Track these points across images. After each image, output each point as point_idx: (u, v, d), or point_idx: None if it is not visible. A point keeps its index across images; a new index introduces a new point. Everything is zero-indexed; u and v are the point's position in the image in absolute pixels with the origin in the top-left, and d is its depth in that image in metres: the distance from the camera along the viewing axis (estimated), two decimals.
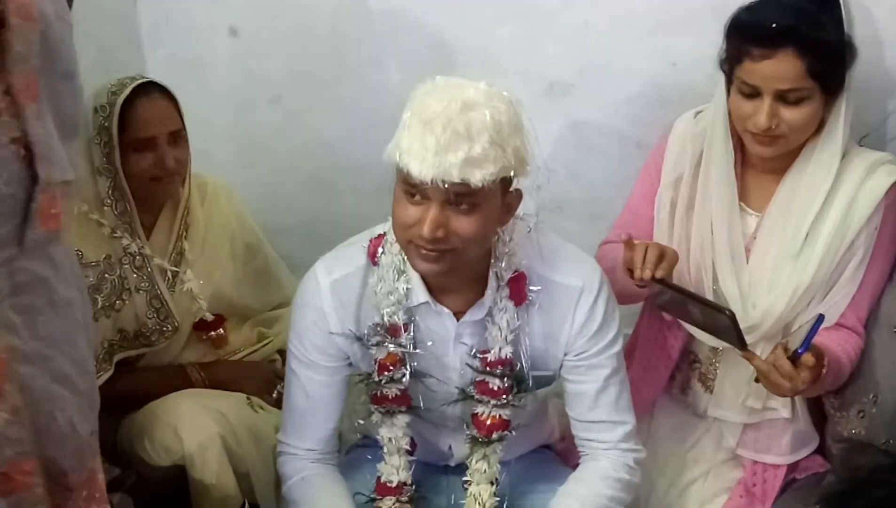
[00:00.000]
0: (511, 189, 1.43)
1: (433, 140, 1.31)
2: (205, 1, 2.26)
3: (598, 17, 2.05)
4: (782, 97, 1.59)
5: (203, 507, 1.86)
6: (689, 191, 1.74)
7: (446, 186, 1.33)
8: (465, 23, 2.06)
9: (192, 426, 1.84)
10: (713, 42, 2.00)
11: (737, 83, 1.63)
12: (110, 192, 1.85)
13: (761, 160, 1.71)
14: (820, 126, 1.66)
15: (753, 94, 1.61)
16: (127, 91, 1.83)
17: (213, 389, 1.98)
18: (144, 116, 1.83)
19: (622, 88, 2.09)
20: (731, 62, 1.65)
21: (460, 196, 1.36)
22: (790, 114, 1.60)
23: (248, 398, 1.99)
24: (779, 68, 1.57)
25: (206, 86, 2.29)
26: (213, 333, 2.04)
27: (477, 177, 1.32)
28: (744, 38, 1.61)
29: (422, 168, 1.32)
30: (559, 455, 1.84)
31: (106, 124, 1.81)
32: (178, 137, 1.89)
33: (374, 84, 2.21)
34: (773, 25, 1.56)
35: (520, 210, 1.51)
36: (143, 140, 1.84)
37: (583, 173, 2.19)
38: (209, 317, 2.02)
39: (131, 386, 1.92)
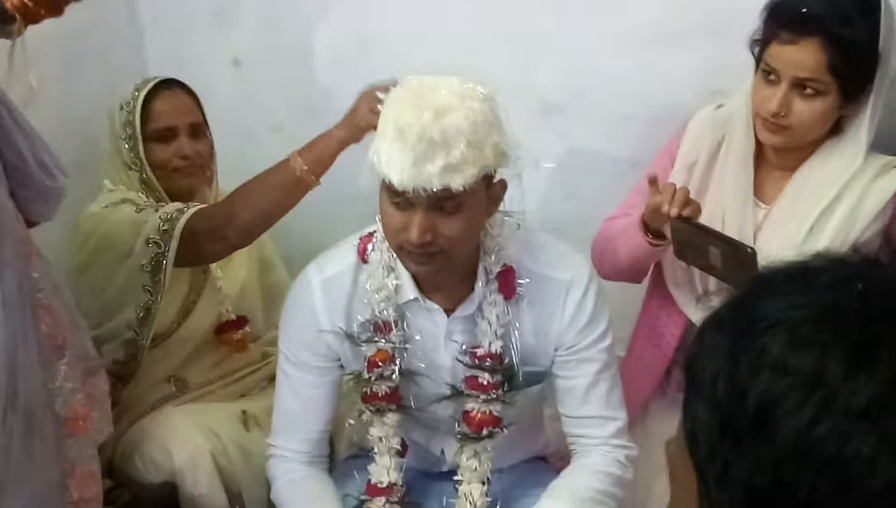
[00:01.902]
0: (494, 180, 1.45)
1: (410, 151, 1.31)
2: (210, 33, 2.34)
3: (589, 37, 2.10)
4: (799, 87, 1.60)
5: None
6: (702, 177, 1.76)
7: (429, 193, 1.34)
8: (460, 45, 2.11)
9: (183, 442, 1.84)
10: (703, 59, 2.06)
11: (762, 66, 1.66)
12: (141, 185, 1.92)
13: (775, 155, 1.72)
14: (839, 128, 1.67)
15: (774, 79, 1.63)
16: (150, 86, 1.93)
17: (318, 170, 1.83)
18: (164, 108, 1.93)
19: (614, 107, 2.13)
20: (761, 44, 1.67)
21: (444, 200, 1.36)
22: (801, 106, 1.61)
23: (243, 414, 1.98)
24: (801, 56, 1.58)
25: (209, 116, 2.34)
26: (235, 334, 2.05)
27: (458, 182, 1.33)
28: (775, 20, 1.63)
29: (402, 178, 1.32)
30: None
31: (130, 119, 1.90)
32: (199, 130, 1.98)
33: None
34: (804, 10, 1.58)
35: (510, 206, 1.53)
36: (163, 130, 1.92)
37: (578, 193, 2.21)
38: (233, 316, 2.04)
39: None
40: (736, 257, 1.56)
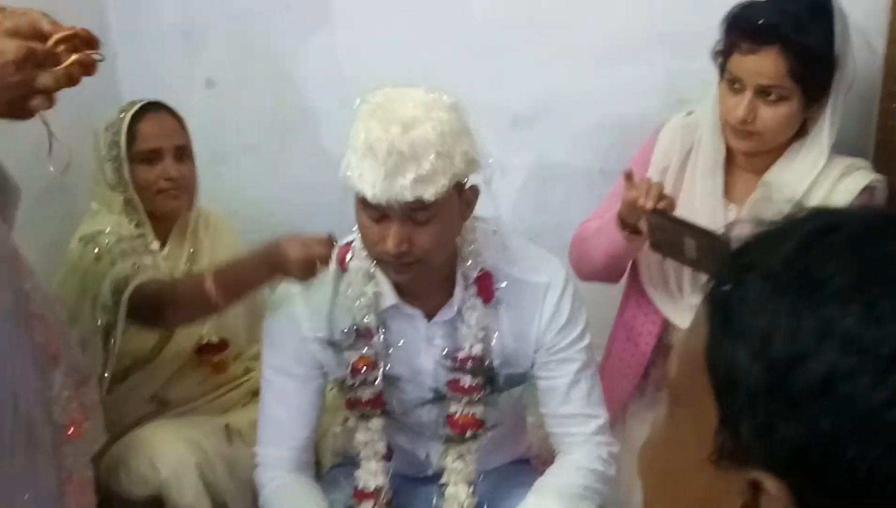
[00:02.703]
0: (466, 187, 1.47)
1: (380, 166, 1.33)
2: (182, 53, 2.36)
3: (555, 51, 2.16)
4: (763, 93, 1.67)
5: None
6: (675, 181, 1.82)
7: (402, 204, 1.36)
8: (432, 61, 2.15)
9: (168, 454, 1.84)
10: (665, 70, 2.13)
11: (726, 76, 1.72)
12: (125, 206, 1.93)
13: (745, 159, 1.78)
14: (804, 130, 1.73)
15: (738, 87, 1.69)
16: (135, 108, 1.94)
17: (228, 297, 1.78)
18: (151, 129, 1.94)
19: (583, 117, 2.19)
20: (724, 54, 1.73)
21: (417, 211, 1.39)
22: (767, 112, 1.67)
23: (226, 428, 1.99)
24: (762, 64, 1.65)
25: None
26: (215, 357, 2.05)
27: (430, 192, 1.35)
28: (735, 31, 1.70)
29: (374, 192, 1.35)
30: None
31: (116, 139, 1.91)
32: (184, 153, 1.99)
33: (345, 128, 2.29)
34: (760, 22, 1.65)
35: (483, 213, 1.57)
36: (149, 151, 1.93)
37: (549, 203, 2.26)
38: (214, 340, 2.04)
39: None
40: (711, 247, 1.61)
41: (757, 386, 0.59)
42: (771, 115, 1.68)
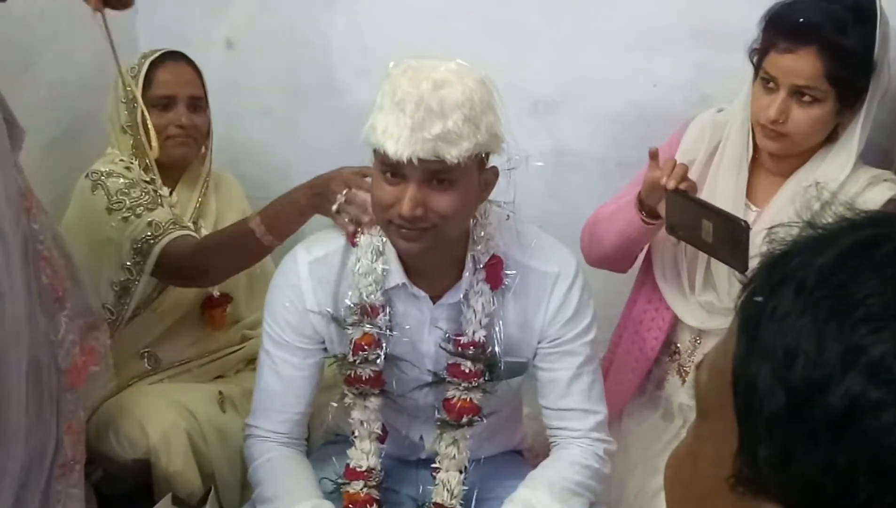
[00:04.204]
0: (487, 166, 1.46)
1: (407, 119, 1.33)
2: (203, 13, 2.33)
3: (581, 37, 2.13)
4: (797, 94, 1.63)
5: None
6: (699, 177, 1.79)
7: (423, 163, 1.35)
8: (452, 39, 2.11)
9: (158, 419, 1.83)
10: (692, 63, 2.09)
11: (760, 74, 1.68)
12: (132, 150, 1.94)
13: (771, 160, 1.75)
14: (834, 136, 1.70)
15: (772, 87, 1.66)
16: (157, 54, 1.96)
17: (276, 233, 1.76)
18: (167, 76, 1.96)
19: (604, 107, 2.16)
20: (760, 52, 1.70)
21: (437, 173, 1.38)
22: (800, 113, 1.64)
23: (220, 395, 1.98)
24: (799, 64, 1.61)
25: None
26: (216, 310, 2.05)
27: (453, 153, 1.34)
28: (774, 29, 1.66)
29: (397, 147, 1.33)
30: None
31: (133, 83, 1.90)
32: (198, 105, 2.00)
33: (363, 97, 2.26)
34: (801, 20, 1.61)
35: (499, 197, 1.54)
36: (163, 97, 1.95)
37: (563, 191, 2.23)
38: (216, 293, 2.04)
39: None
40: (729, 231, 1.59)
41: (777, 412, 0.55)
42: (803, 116, 1.64)
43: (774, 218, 1.74)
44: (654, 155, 1.69)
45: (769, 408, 0.55)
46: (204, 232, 2.00)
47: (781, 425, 0.55)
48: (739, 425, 0.58)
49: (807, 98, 1.63)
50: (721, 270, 1.74)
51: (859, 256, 0.56)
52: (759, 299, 0.58)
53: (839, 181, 1.68)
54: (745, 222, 1.57)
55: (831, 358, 0.54)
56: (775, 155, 1.73)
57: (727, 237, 1.59)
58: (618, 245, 1.79)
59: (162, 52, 1.98)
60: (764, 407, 0.56)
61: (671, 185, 1.63)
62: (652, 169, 1.68)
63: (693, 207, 1.64)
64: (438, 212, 1.40)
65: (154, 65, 1.94)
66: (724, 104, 1.88)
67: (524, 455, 1.86)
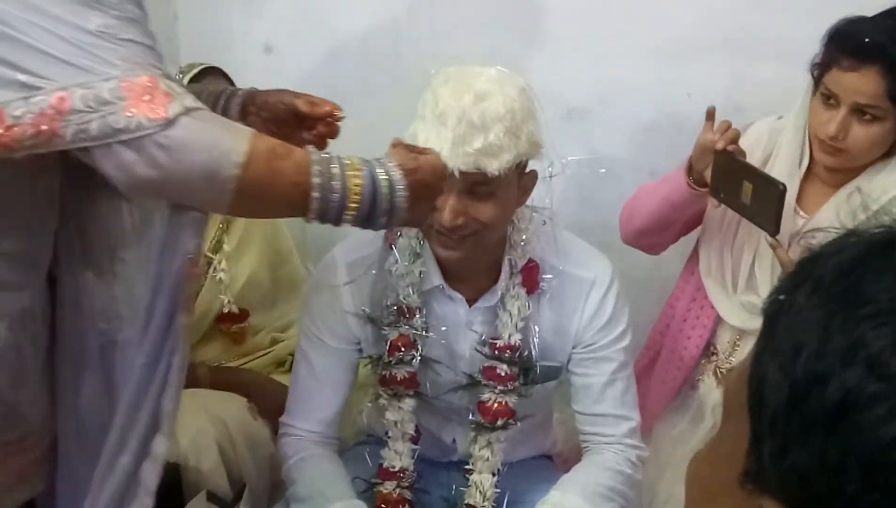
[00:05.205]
0: (526, 171, 1.48)
1: (448, 132, 1.35)
2: (243, 16, 2.36)
3: (616, 45, 2.13)
4: (858, 112, 1.64)
5: None
6: None
7: (464, 176, 1.37)
8: (488, 44, 2.14)
9: (189, 425, 1.82)
10: (727, 73, 2.10)
11: (821, 89, 1.69)
12: None
13: (825, 171, 1.76)
14: (891, 151, 1.71)
15: (833, 103, 1.67)
16: (195, 70, 1.94)
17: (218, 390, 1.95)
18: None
19: (637, 115, 2.17)
20: (821, 68, 1.71)
21: (478, 184, 1.40)
22: (860, 130, 1.65)
23: (249, 403, 1.99)
24: (861, 82, 1.62)
25: None
26: (235, 327, 2.05)
27: (494, 166, 1.37)
28: (838, 46, 1.67)
29: None
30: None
31: None
32: None
33: (398, 103, 2.29)
34: (866, 40, 1.62)
35: (536, 202, 1.56)
36: None
37: (595, 198, 2.24)
38: (235, 309, 2.05)
39: None
40: (766, 192, 1.62)
41: (780, 406, 0.55)
42: (863, 134, 1.66)
43: (821, 225, 1.74)
44: (710, 115, 1.71)
45: (774, 402, 0.56)
46: (221, 257, 2.02)
47: (783, 418, 0.55)
48: (751, 421, 0.59)
49: (867, 116, 1.64)
50: (764, 271, 1.76)
51: (879, 254, 0.56)
52: (781, 297, 0.59)
53: (890, 195, 1.68)
54: (783, 184, 1.60)
55: (834, 351, 0.54)
56: (831, 169, 1.74)
57: (763, 199, 1.63)
58: (658, 212, 1.81)
59: (201, 67, 1.96)
60: (770, 402, 0.56)
61: (720, 145, 1.66)
62: (706, 131, 1.71)
63: (737, 168, 1.68)
64: (479, 220, 1.43)
65: (192, 81, 1.91)
66: (759, 114, 1.89)
67: (554, 460, 1.87)
